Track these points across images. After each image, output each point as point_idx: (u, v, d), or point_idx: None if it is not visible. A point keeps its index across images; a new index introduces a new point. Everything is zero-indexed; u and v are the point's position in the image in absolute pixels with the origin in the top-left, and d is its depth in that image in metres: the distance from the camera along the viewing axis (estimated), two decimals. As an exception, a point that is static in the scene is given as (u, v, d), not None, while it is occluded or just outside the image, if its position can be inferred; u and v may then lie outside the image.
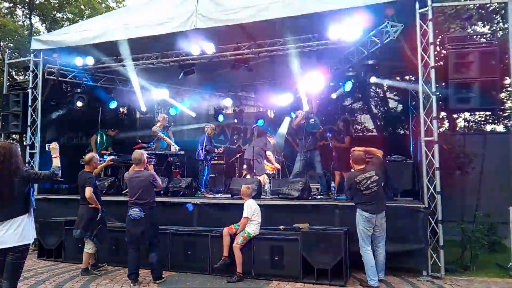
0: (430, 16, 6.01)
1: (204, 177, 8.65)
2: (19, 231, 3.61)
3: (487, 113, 12.49)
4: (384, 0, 6.22)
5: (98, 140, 9.56)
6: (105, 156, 9.08)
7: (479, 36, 6.45)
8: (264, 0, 6.88)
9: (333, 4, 6.49)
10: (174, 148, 8.62)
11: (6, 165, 3.63)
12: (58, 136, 10.75)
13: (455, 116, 12.02)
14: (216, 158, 9.67)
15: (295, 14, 6.68)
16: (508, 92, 10.73)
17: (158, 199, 5.95)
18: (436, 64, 6.10)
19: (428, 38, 6.05)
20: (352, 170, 5.44)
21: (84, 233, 5.83)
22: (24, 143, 9.35)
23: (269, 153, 8.70)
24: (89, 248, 5.91)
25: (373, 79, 7.84)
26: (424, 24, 6.09)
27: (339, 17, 6.89)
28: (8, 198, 3.61)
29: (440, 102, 6.92)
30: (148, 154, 7.25)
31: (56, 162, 4.18)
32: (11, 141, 5.45)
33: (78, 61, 8.66)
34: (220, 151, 9.12)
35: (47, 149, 4.93)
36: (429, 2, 6.01)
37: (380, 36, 6.61)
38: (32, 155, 8.51)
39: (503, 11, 9.38)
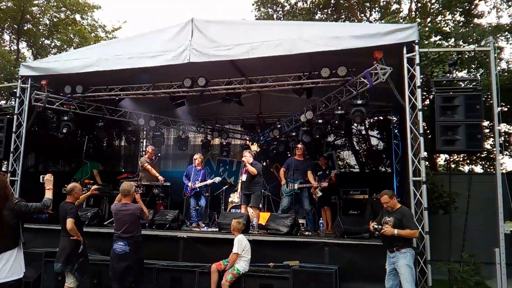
0: (417, 61, 6.27)
1: (200, 209, 8.53)
2: (8, 266, 3.47)
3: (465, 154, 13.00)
4: (372, 44, 6.49)
5: (83, 170, 9.35)
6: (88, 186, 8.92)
7: (464, 81, 6.74)
8: (256, 39, 7.06)
9: (322, 46, 6.72)
10: (161, 179, 8.55)
11: None
12: (37, 163, 10.56)
13: (435, 156, 12.44)
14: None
15: (286, 54, 6.87)
16: (485, 134, 11.18)
17: (142, 232, 5.79)
18: (423, 106, 6.33)
19: (415, 82, 6.29)
20: None
21: (65, 267, 5.51)
22: (3, 169, 9.10)
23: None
24: (70, 282, 5.58)
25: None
26: (412, 68, 6.35)
27: (329, 58, 7.16)
28: None
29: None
30: (136, 184, 7.15)
31: (49, 194, 4.10)
32: (1, 172, 5.23)
33: (67, 88, 8.63)
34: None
35: (41, 180, 4.82)
36: (416, 48, 6.29)
37: (369, 77, 6.83)
38: (13, 182, 8.22)
39: (483, 58, 9.94)
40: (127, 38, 8.74)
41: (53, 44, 13.60)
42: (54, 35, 13.34)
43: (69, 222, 5.38)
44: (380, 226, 5.22)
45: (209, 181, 8.58)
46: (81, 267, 5.55)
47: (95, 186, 6.48)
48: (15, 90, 8.65)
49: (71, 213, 5.44)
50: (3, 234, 3.52)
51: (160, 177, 8.63)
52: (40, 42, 13.42)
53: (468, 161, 14.40)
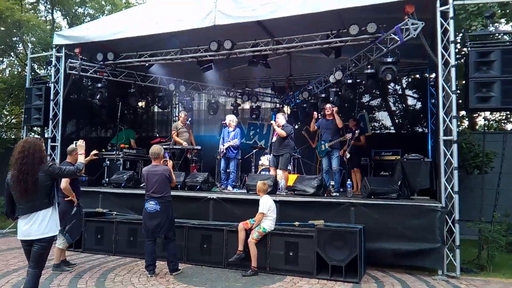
0: (451, 14, 5.94)
1: (234, 173, 8.60)
2: (44, 224, 3.76)
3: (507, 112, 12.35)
4: (403, -3, 6.21)
5: (118, 135, 9.72)
6: (123, 150, 9.32)
7: (501, 35, 6.32)
8: (281, -3, 6.91)
9: (350, 2, 6.51)
10: (184, 144, 8.96)
11: (30, 160, 3.75)
12: (77, 129, 11.06)
13: (475, 114, 11.91)
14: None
15: (313, 11, 6.70)
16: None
17: (175, 193, 6.03)
18: (457, 63, 6.03)
19: (448, 36, 5.98)
20: None
21: None
22: (46, 135, 9.59)
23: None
24: (60, 243, 5.62)
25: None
26: (445, 22, 6.03)
27: (358, 14, 6.89)
28: (33, 192, 3.74)
29: (460, 101, 6.83)
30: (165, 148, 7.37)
31: (81, 159, 4.35)
32: (36, 136, 5.52)
33: (99, 56, 8.87)
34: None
35: (74, 145, 5.08)
36: (450, 0, 5.94)
37: (400, 33, 6.54)
38: (53, 148, 8.72)
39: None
40: (154, 3, 8.74)
41: (86, 12, 13.87)
42: (87, 3, 13.58)
43: (64, 182, 5.38)
44: None
45: (230, 143, 8.48)
46: (72, 229, 5.63)
47: (94, 152, 6.21)
48: (51, 59, 8.98)
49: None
50: (39, 194, 3.80)
51: (184, 143, 8.98)
52: (74, 11, 13.70)
53: (511, 120, 13.68)
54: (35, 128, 11.56)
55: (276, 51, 8.22)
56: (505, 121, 13.96)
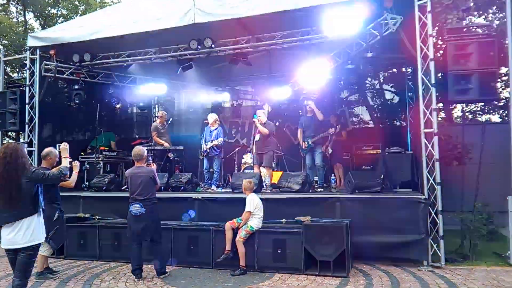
0: (429, 8, 6.03)
1: (218, 173, 8.47)
2: (29, 231, 3.66)
3: (482, 103, 12.65)
4: (383, -8, 6.27)
5: (98, 138, 9.52)
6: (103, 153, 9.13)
7: (477, 27, 6.46)
8: (261, -6, 6.87)
9: (330, -2, 6.51)
10: (166, 146, 8.78)
11: (13, 167, 3.64)
12: (54, 133, 10.76)
13: (451, 106, 12.16)
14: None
15: (293, 8, 6.69)
16: (504, 82, 10.80)
17: (159, 194, 5.94)
18: (435, 56, 6.14)
19: (427, 30, 6.07)
20: None
21: None
22: (21, 140, 9.32)
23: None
24: (44, 250, 5.37)
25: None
26: (423, 16, 6.11)
27: (338, 9, 6.91)
28: (17, 200, 3.63)
29: (437, 94, 6.97)
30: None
31: (65, 162, 4.24)
32: (18, 142, 5.28)
33: (75, 57, 8.64)
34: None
35: (57, 149, 4.93)
36: (428, -6, 6.03)
37: (379, 28, 6.62)
38: (30, 153, 8.46)
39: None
40: (130, 2, 8.59)
41: (59, 13, 13.50)
42: (60, 3, 13.22)
43: (69, 184, 5.26)
44: None
45: (214, 142, 8.36)
46: (55, 235, 5.41)
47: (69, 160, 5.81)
48: (25, 61, 8.71)
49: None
50: (23, 201, 3.68)
51: (166, 144, 8.81)
52: (47, 12, 13.32)
53: (486, 111, 14.02)
54: (10, 133, 11.25)
55: (257, 49, 8.17)
56: (481, 113, 14.32)
